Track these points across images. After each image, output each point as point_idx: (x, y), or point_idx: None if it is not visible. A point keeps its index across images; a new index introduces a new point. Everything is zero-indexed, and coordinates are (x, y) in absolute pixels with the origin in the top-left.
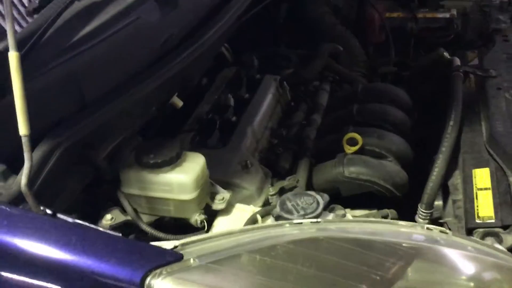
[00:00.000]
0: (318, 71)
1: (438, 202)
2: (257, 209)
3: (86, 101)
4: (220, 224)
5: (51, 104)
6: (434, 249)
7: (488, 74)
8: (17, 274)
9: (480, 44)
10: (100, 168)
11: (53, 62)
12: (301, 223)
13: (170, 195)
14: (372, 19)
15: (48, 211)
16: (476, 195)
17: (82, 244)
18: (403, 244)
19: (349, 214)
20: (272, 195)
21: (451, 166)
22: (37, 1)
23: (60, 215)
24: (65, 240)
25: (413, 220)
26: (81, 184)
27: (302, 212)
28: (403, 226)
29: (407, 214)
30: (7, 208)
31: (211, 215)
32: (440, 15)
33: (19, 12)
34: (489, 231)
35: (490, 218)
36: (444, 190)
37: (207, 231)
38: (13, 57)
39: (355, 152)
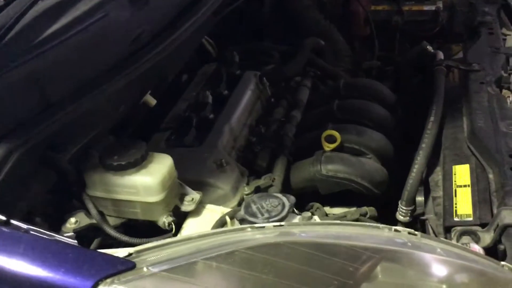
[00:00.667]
0: (299, 66)
1: (421, 199)
2: (227, 210)
3: (50, 102)
4: (190, 226)
5: (9, 106)
6: (400, 252)
7: (471, 68)
8: None
9: (465, 37)
10: (63, 170)
11: (15, 63)
12: (264, 227)
13: (136, 198)
14: (357, 13)
15: (1, 217)
16: (455, 192)
17: (31, 252)
18: (368, 248)
19: (329, 212)
20: (247, 195)
21: (432, 162)
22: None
23: (14, 222)
24: (13, 249)
25: (395, 218)
26: (45, 187)
27: (266, 215)
28: (370, 229)
29: (393, 212)
30: None
31: (182, 216)
32: (426, 8)
33: None
34: (467, 230)
35: (468, 216)
36: (426, 187)
37: (176, 233)
38: None
39: (334, 150)
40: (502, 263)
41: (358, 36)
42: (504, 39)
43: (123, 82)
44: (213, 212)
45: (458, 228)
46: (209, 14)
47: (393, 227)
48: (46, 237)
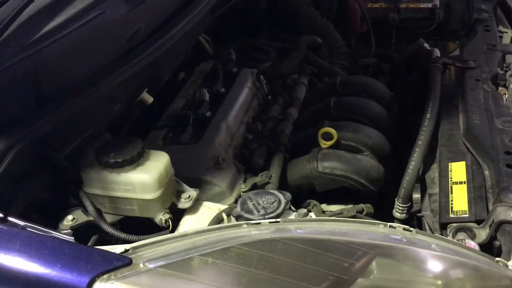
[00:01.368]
0: (296, 64)
1: (417, 196)
2: (224, 207)
3: (46, 99)
4: (187, 223)
5: (5, 103)
6: (396, 248)
7: (467, 65)
8: None
9: (462, 34)
10: (60, 168)
11: (12, 60)
12: (259, 223)
13: (133, 195)
14: (353, 10)
15: None
16: (451, 189)
17: (28, 249)
18: (364, 244)
19: (325, 209)
20: (244, 192)
21: (429, 159)
22: None
23: (11, 218)
24: (10, 245)
25: (391, 215)
26: (42, 185)
27: (262, 212)
28: (366, 225)
29: (390, 209)
30: None
31: (179, 213)
32: (423, 5)
33: None
34: (463, 226)
35: (464, 212)
36: (422, 184)
37: (173, 230)
38: None
39: (330, 147)
40: (497, 259)
41: (354, 33)
42: (501, 37)
43: (120, 79)
44: (210, 209)
45: (454, 224)
46: (206, 12)
47: (388, 223)
48: (43, 233)
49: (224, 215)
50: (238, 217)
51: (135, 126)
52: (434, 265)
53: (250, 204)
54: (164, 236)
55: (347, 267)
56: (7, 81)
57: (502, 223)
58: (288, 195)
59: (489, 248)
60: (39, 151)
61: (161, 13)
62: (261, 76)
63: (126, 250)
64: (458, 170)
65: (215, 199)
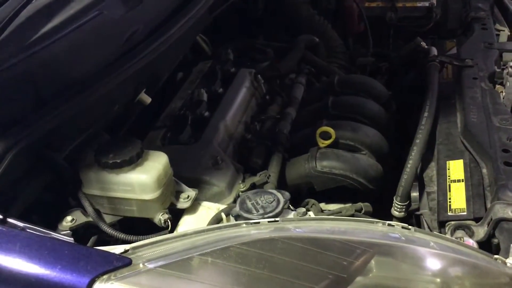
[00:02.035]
0: (294, 63)
1: (416, 194)
2: (223, 207)
3: (45, 101)
4: (186, 223)
5: (4, 105)
6: (394, 246)
7: (465, 64)
8: None
9: (459, 33)
10: (59, 168)
11: (10, 62)
12: (259, 222)
13: (132, 195)
14: (351, 9)
15: None
16: (449, 187)
17: (27, 250)
18: (362, 242)
19: (324, 208)
20: (243, 191)
21: (427, 157)
22: None
23: (10, 220)
24: (10, 246)
25: (390, 213)
26: (41, 186)
27: (261, 211)
28: (364, 224)
29: (388, 207)
30: None
31: (178, 214)
32: (420, 4)
33: None
34: (461, 224)
35: (462, 210)
36: (421, 182)
37: (172, 230)
38: None
39: (329, 146)
40: (496, 256)
41: (352, 33)
42: (497, 35)
43: (118, 80)
44: (208, 209)
45: (452, 222)
46: (204, 12)
47: (387, 222)
48: (43, 234)
49: (223, 215)
50: (237, 217)
51: (134, 126)
52: (433, 263)
53: (249, 203)
54: (163, 236)
55: (346, 265)
56: (6, 82)
57: (500, 220)
58: (287, 194)
59: (487, 245)
60: (38, 152)
61: (159, 14)
62: (259, 76)
63: (126, 251)
64: (456, 168)
65: (214, 199)
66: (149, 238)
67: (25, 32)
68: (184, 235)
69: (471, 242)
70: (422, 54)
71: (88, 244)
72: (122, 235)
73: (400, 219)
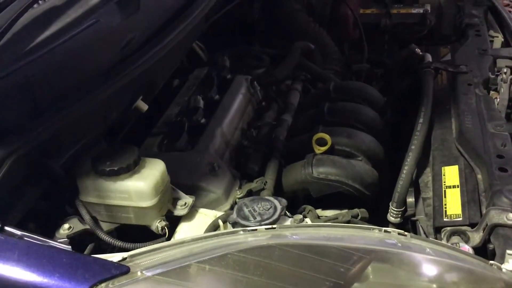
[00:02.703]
0: (290, 70)
1: (411, 200)
2: (220, 213)
3: (42, 108)
4: (183, 230)
5: (1, 113)
6: (391, 252)
7: (459, 70)
8: None
9: (453, 39)
10: (56, 176)
11: (6, 70)
12: (256, 229)
13: (129, 203)
14: (346, 16)
15: None
16: (445, 193)
17: (25, 258)
18: (359, 249)
19: (320, 214)
20: (240, 198)
21: (422, 163)
22: None
23: (8, 228)
24: (8, 255)
25: (386, 219)
26: (38, 194)
27: (258, 218)
28: (361, 230)
29: (384, 213)
30: None
31: (176, 221)
32: (414, 11)
33: None
34: (456, 230)
35: (457, 216)
36: (416, 188)
37: (169, 238)
38: None
39: (325, 152)
40: (491, 262)
41: (347, 39)
42: (491, 41)
43: (115, 88)
44: (206, 216)
45: (448, 228)
46: (200, 20)
47: (383, 228)
48: (40, 243)
49: (220, 222)
50: (234, 224)
51: (131, 133)
52: (429, 269)
53: (246, 210)
54: (161, 243)
55: (343, 272)
56: (3, 90)
57: (495, 226)
58: (284, 201)
59: (483, 251)
60: (36, 160)
61: (155, 22)
62: (255, 82)
63: (124, 258)
64: (451, 174)
65: (211, 205)
66: (147, 245)
67: (22, 40)
68: (182, 243)
69: (466, 247)
70: (417, 61)
71: (85, 252)
72: (119, 243)
73: (396, 225)
